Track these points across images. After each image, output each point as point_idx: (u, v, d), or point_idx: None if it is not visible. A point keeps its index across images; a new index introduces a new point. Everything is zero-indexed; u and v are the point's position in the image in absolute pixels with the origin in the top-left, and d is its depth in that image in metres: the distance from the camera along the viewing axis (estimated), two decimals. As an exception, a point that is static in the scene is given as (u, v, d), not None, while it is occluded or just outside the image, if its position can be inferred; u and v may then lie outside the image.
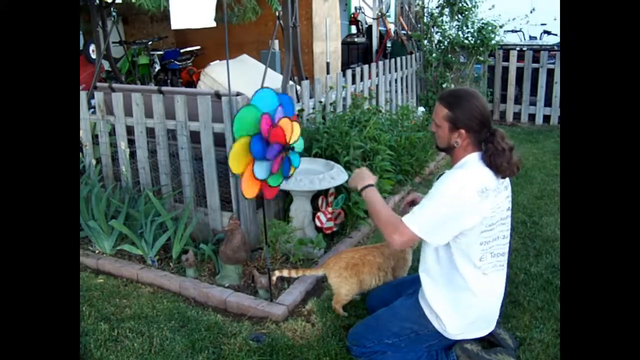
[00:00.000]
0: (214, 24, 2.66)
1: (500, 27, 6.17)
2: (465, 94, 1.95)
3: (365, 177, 2.13)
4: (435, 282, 2.01)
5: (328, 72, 6.44)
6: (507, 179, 1.97)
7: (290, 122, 2.38)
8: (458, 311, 1.98)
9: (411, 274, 2.66)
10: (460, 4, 6.10)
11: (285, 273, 2.60)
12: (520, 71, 6.47)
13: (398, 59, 5.79)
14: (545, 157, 5.09)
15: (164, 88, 3.48)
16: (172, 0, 2.58)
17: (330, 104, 4.15)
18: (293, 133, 2.41)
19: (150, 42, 6.87)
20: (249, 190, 2.29)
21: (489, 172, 1.89)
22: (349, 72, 4.55)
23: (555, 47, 6.76)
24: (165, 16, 7.40)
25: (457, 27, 6.21)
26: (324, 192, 3.12)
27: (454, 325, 2.00)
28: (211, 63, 4.55)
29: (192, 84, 6.60)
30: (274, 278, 2.59)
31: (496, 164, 1.88)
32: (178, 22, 2.60)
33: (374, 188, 2.08)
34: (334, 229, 3.24)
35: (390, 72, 5.56)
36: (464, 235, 1.89)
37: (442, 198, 1.86)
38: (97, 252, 3.17)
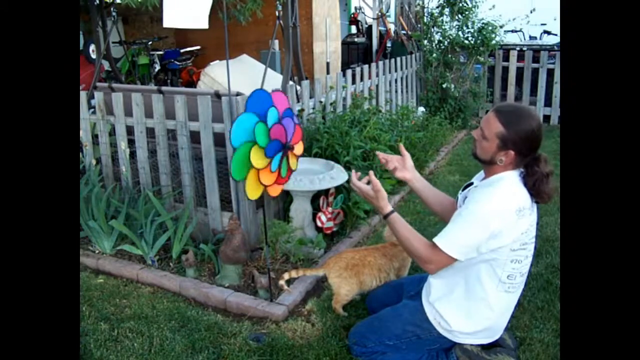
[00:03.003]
0: (206, 26, 2.64)
1: (501, 27, 6.17)
2: (527, 114, 1.84)
3: (384, 199, 2.01)
4: (451, 291, 1.98)
5: (328, 72, 6.45)
6: None
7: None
8: (469, 320, 1.98)
9: (411, 274, 2.67)
10: (461, 4, 6.10)
11: (286, 276, 2.60)
12: (520, 71, 6.47)
13: (398, 59, 5.79)
14: (545, 157, 5.07)
15: (164, 88, 3.48)
16: None
17: (331, 104, 4.15)
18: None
19: (150, 42, 6.87)
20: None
21: (525, 191, 1.86)
22: (349, 72, 4.55)
23: (555, 47, 6.77)
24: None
25: (457, 27, 6.21)
26: (325, 192, 3.12)
27: (461, 329, 1.99)
28: (211, 63, 4.55)
29: (192, 84, 6.60)
30: (285, 287, 2.59)
31: (538, 190, 1.84)
32: (170, 20, 2.57)
33: (396, 214, 1.99)
34: (334, 229, 3.24)
35: (390, 72, 5.56)
36: (495, 252, 1.86)
37: (480, 220, 1.80)
38: (97, 252, 3.17)
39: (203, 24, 2.61)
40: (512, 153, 1.84)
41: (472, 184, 2.04)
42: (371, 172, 2.06)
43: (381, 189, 2.02)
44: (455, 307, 1.98)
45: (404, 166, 2.23)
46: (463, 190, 2.07)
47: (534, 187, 1.85)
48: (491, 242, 1.83)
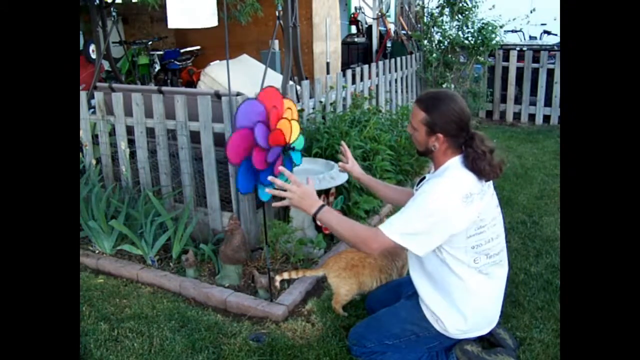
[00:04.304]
0: (215, 24, 2.61)
1: (501, 27, 6.17)
2: (445, 96, 1.91)
3: (311, 197, 1.98)
4: (430, 285, 2.00)
5: (328, 72, 6.44)
6: None
7: (289, 123, 2.39)
8: (457, 311, 1.98)
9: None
10: (461, 4, 6.10)
11: (285, 275, 2.60)
12: (520, 71, 6.47)
13: (398, 59, 5.79)
14: (545, 157, 5.09)
15: (164, 88, 3.48)
16: None
17: (331, 104, 4.15)
18: (292, 133, 2.42)
19: (150, 42, 6.88)
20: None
21: (471, 176, 1.87)
22: (349, 72, 4.54)
23: (555, 47, 6.76)
24: (165, 16, 7.41)
25: (457, 27, 6.21)
26: (325, 192, 3.12)
27: (454, 325, 2.00)
28: (211, 63, 4.55)
29: (192, 84, 6.60)
30: (277, 283, 2.59)
31: (479, 168, 1.86)
32: (175, 21, 2.55)
33: (327, 207, 1.97)
34: (334, 229, 3.23)
35: (390, 72, 5.55)
36: (451, 241, 1.88)
37: (427, 209, 1.82)
38: (97, 252, 3.17)
39: (210, 21, 2.58)
40: (441, 136, 1.89)
41: (424, 178, 2.07)
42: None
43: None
44: (441, 302, 1.98)
45: (354, 164, 2.42)
46: (418, 184, 2.09)
47: (474, 166, 1.87)
48: (445, 230, 1.84)
